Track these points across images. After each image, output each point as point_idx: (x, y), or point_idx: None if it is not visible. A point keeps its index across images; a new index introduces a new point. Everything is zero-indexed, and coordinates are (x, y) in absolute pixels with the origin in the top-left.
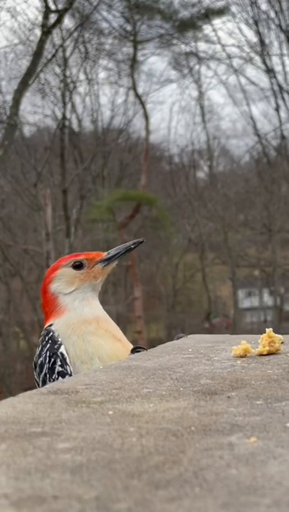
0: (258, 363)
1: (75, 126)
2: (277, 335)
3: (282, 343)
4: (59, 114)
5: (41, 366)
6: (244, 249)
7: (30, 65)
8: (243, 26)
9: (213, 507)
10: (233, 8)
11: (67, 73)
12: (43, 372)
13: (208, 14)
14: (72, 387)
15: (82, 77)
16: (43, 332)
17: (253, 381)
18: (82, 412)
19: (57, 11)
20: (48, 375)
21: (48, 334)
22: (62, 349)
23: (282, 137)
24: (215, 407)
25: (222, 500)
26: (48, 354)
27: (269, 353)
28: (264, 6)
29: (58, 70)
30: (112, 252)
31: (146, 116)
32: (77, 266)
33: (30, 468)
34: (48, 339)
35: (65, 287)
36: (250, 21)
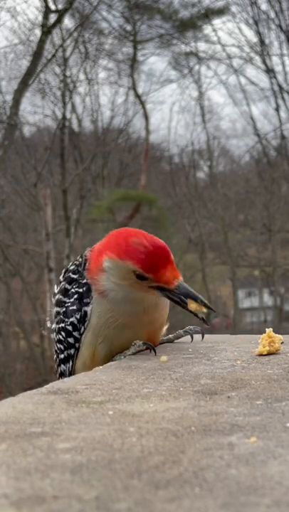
0: (258, 363)
1: (75, 126)
2: (277, 335)
3: (282, 343)
4: (59, 114)
5: (63, 304)
6: (244, 249)
7: (30, 65)
8: (243, 26)
9: (213, 507)
10: (233, 8)
11: (67, 73)
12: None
13: (208, 14)
14: (72, 387)
15: (82, 77)
16: (75, 267)
17: (253, 381)
18: (82, 412)
19: (57, 11)
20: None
21: (82, 279)
22: (88, 309)
23: (282, 137)
24: (215, 407)
25: (222, 500)
26: (74, 301)
27: (269, 353)
28: (264, 6)
29: (58, 70)
30: (179, 290)
31: (146, 116)
32: (140, 277)
33: (30, 468)
34: (81, 286)
35: (113, 276)
36: (250, 21)
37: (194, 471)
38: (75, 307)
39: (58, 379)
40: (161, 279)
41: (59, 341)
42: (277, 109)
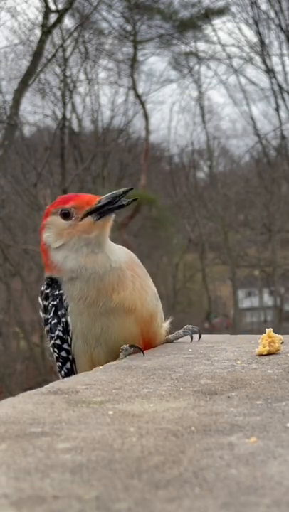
0: (258, 363)
1: (75, 126)
2: (277, 335)
3: (282, 343)
4: (59, 114)
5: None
6: (244, 249)
7: (30, 65)
8: (243, 26)
9: (213, 507)
10: (233, 8)
11: (67, 73)
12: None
13: (208, 14)
14: (72, 387)
15: (82, 77)
16: (47, 282)
17: (253, 381)
18: (82, 412)
19: (57, 11)
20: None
21: (54, 290)
22: (68, 318)
23: (282, 137)
24: (215, 407)
25: (222, 500)
26: (53, 315)
27: (269, 353)
28: (264, 6)
29: (58, 70)
30: (103, 200)
31: (146, 116)
32: (65, 215)
33: (30, 468)
34: (55, 297)
35: (54, 240)
36: (250, 21)
37: (194, 471)
38: (55, 320)
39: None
40: (82, 202)
41: (56, 359)
42: (277, 109)
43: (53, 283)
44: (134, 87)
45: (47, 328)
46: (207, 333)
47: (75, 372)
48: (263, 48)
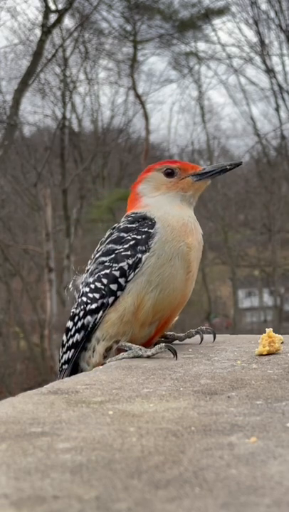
0: (258, 363)
1: (75, 126)
2: (277, 335)
3: (282, 343)
4: (59, 114)
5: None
6: (244, 249)
7: (30, 65)
8: (243, 26)
9: (213, 507)
10: (233, 8)
11: (67, 73)
12: (123, 250)
13: (208, 14)
14: (72, 387)
15: (82, 77)
16: (131, 218)
17: (253, 381)
18: (82, 412)
19: (57, 11)
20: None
21: (153, 225)
22: (144, 255)
23: (282, 137)
24: (215, 407)
25: (222, 500)
26: (129, 247)
27: (269, 353)
28: (264, 6)
29: (58, 70)
30: (208, 168)
31: (146, 116)
32: (169, 173)
33: (30, 468)
34: (141, 233)
35: (151, 191)
36: (250, 21)
37: (194, 471)
38: (128, 252)
39: (73, 334)
40: (188, 165)
41: (94, 290)
42: (277, 109)
43: (143, 220)
44: (134, 87)
45: (107, 258)
46: (207, 333)
47: (105, 310)
48: (263, 48)
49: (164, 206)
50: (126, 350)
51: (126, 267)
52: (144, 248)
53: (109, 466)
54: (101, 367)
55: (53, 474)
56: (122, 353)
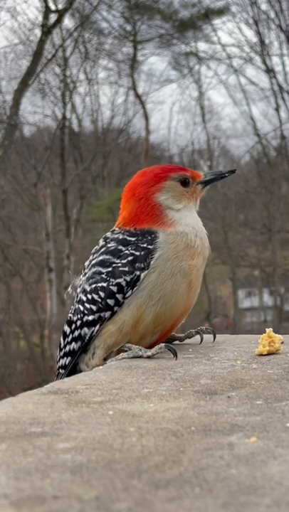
0: (258, 363)
1: (75, 126)
2: (277, 335)
3: (282, 343)
4: (59, 114)
5: (127, 257)
6: (244, 249)
7: (30, 65)
8: (243, 26)
9: (213, 507)
10: (233, 8)
11: (67, 73)
12: (122, 265)
13: (208, 14)
14: (72, 387)
15: (82, 77)
16: (131, 232)
17: (253, 381)
18: (82, 412)
19: (57, 11)
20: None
21: (153, 240)
22: (143, 273)
23: (282, 137)
24: (215, 407)
25: (222, 500)
26: (127, 263)
27: (269, 353)
28: (264, 6)
29: (58, 70)
30: (209, 176)
31: (146, 116)
32: (185, 182)
33: (30, 468)
34: (140, 249)
35: (174, 203)
36: (250, 21)
37: (194, 471)
38: (126, 268)
39: (70, 342)
40: (194, 174)
41: (91, 301)
42: (277, 109)
43: (144, 235)
44: (134, 87)
45: (105, 269)
46: (206, 333)
47: (103, 323)
48: (263, 48)
49: (192, 223)
50: (126, 351)
51: (123, 283)
52: (142, 266)
53: (109, 466)
54: (101, 367)
55: (53, 474)
56: (122, 353)
